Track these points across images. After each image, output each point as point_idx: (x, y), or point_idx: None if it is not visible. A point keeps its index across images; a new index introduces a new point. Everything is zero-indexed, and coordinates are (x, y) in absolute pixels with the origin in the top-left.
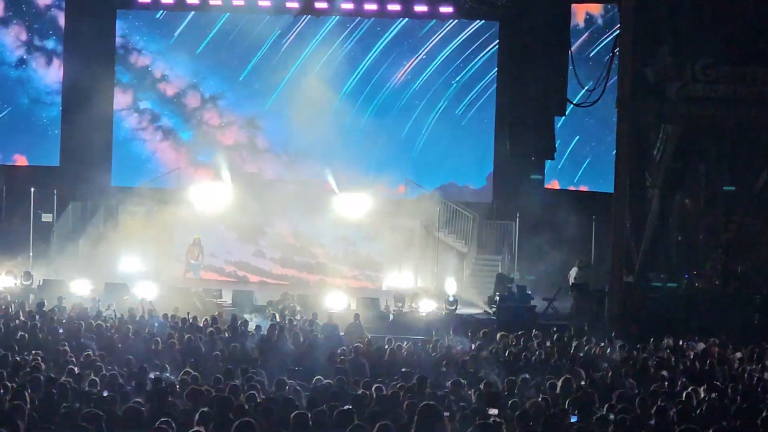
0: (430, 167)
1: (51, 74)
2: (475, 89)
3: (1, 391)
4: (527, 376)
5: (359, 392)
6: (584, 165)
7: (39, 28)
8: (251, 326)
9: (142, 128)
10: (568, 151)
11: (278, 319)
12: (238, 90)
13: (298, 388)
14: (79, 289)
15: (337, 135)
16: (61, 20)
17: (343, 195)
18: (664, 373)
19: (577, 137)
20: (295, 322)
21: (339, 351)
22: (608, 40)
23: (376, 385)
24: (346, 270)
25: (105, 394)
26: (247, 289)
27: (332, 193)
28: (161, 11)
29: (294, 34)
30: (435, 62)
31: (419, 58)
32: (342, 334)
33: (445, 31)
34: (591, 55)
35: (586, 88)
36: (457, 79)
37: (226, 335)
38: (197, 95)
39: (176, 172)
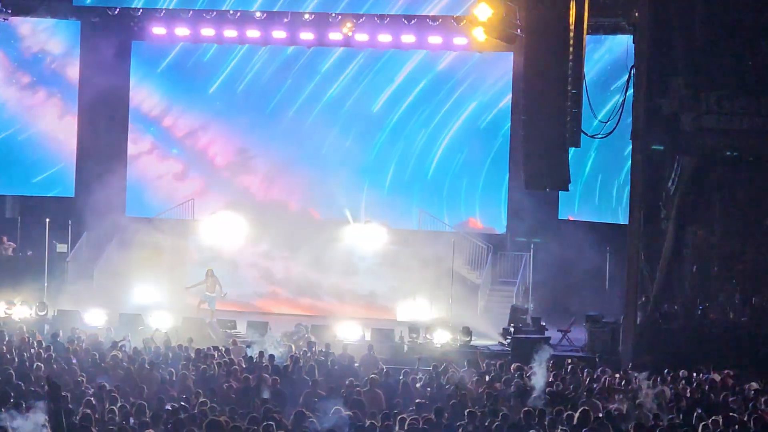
0: (446, 199)
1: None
2: (496, 123)
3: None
4: (543, 408)
5: (378, 425)
6: (599, 196)
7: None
8: (266, 357)
9: (155, 160)
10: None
11: (293, 351)
12: (244, 120)
13: (315, 420)
14: (94, 320)
15: (351, 165)
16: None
17: (357, 225)
18: (682, 404)
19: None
20: (309, 354)
21: (354, 383)
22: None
23: (400, 417)
24: (360, 300)
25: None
26: (262, 320)
27: (346, 223)
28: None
29: (300, 64)
30: (454, 95)
31: (442, 91)
32: (357, 365)
33: (468, 66)
34: (610, 85)
35: (600, 118)
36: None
37: (242, 366)
38: (201, 125)
39: (190, 203)
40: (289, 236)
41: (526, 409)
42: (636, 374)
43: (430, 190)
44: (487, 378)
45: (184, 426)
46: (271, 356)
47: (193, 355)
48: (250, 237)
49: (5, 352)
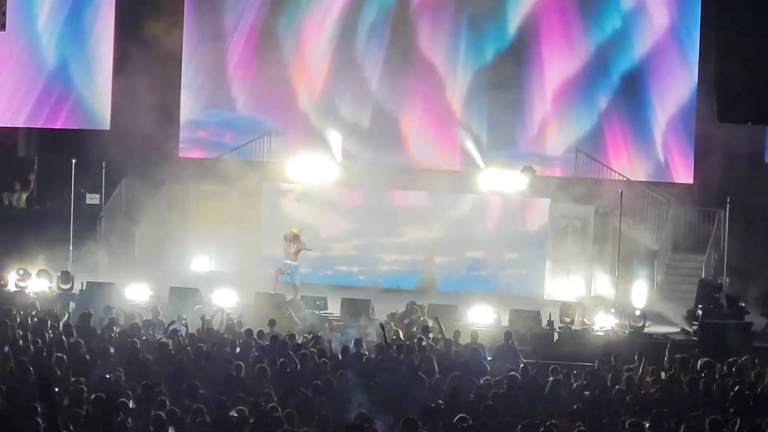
0: (607, 137)
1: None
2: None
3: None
4: (738, 415)
5: None
6: None
7: None
8: (365, 347)
9: (216, 83)
10: None
11: (402, 338)
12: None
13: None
14: (135, 296)
15: (483, 99)
16: None
17: (491, 171)
18: None
19: None
20: (424, 343)
21: (486, 382)
22: None
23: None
24: (492, 270)
25: None
26: (361, 297)
27: (476, 167)
28: None
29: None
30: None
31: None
32: (489, 359)
33: None
34: None
35: None
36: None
37: (335, 359)
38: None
39: (265, 139)
40: (399, 184)
41: (713, 418)
42: None
43: (589, 124)
44: (665, 376)
45: None
46: (379, 347)
47: (269, 343)
48: (347, 185)
49: (17, 338)
